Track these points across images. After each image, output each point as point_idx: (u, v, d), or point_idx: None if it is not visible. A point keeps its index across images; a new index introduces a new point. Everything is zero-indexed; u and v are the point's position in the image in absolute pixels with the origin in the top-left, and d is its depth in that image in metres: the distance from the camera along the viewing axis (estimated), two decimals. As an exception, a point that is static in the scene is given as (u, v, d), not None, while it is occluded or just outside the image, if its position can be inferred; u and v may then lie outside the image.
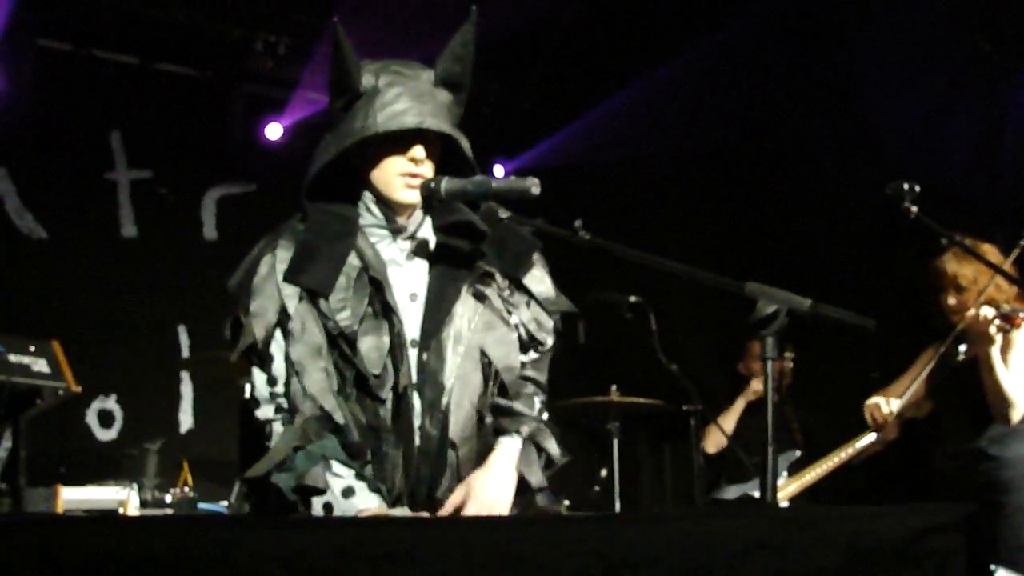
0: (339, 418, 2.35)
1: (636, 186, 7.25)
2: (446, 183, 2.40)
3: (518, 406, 2.52)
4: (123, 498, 4.63)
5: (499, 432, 2.49)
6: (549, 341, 2.59)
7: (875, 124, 6.20)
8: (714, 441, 5.89)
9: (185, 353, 6.22)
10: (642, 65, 6.68)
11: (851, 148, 6.46)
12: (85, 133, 6.15)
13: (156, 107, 6.28)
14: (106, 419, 6.00)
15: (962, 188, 5.53)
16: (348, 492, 2.30)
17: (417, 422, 2.41)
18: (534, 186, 2.33)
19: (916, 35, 5.94)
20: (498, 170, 6.92)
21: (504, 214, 2.55)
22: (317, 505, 2.31)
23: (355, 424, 2.37)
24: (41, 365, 4.35)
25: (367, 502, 2.30)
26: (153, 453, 5.25)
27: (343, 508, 2.29)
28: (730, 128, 7.01)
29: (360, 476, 2.34)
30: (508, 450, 2.46)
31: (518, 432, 2.49)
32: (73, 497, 4.54)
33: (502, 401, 2.52)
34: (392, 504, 2.37)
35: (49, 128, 5.97)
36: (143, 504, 4.79)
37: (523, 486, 2.46)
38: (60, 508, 4.44)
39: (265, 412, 2.41)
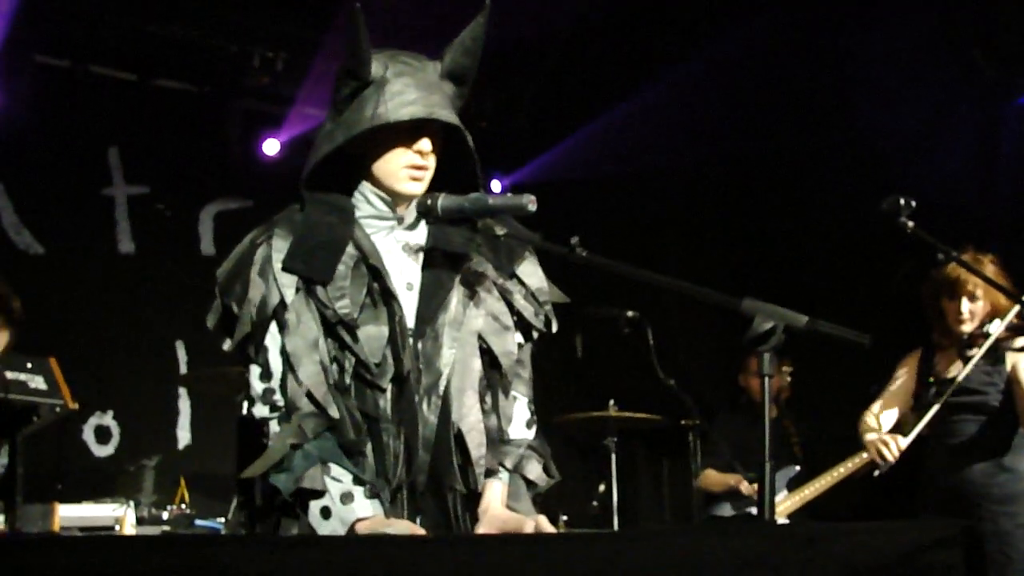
0: (334, 412, 2.32)
1: (633, 201, 7.26)
2: (443, 200, 2.40)
3: (502, 428, 2.50)
4: (120, 515, 4.62)
5: (488, 472, 2.46)
6: (541, 326, 2.57)
7: (872, 138, 6.21)
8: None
9: (183, 369, 6.21)
10: (638, 79, 6.69)
11: (848, 162, 6.47)
12: (82, 149, 6.15)
13: (153, 123, 6.28)
14: (103, 435, 5.99)
15: (958, 201, 5.54)
16: (346, 497, 2.28)
17: (416, 409, 2.39)
18: (531, 203, 2.32)
19: (912, 49, 5.96)
20: (495, 185, 6.93)
21: (501, 231, 2.54)
22: (315, 508, 2.29)
23: (353, 415, 2.35)
24: (38, 382, 4.34)
25: (365, 510, 2.28)
26: (150, 470, 5.25)
27: (341, 514, 2.27)
28: (727, 143, 7.03)
29: (358, 480, 2.31)
30: (494, 494, 2.45)
31: (502, 466, 2.48)
32: (70, 514, 4.52)
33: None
34: (392, 497, 2.34)
35: (47, 144, 5.97)
36: (140, 521, 4.78)
37: None
38: (56, 525, 4.43)
39: (260, 411, 2.37)
